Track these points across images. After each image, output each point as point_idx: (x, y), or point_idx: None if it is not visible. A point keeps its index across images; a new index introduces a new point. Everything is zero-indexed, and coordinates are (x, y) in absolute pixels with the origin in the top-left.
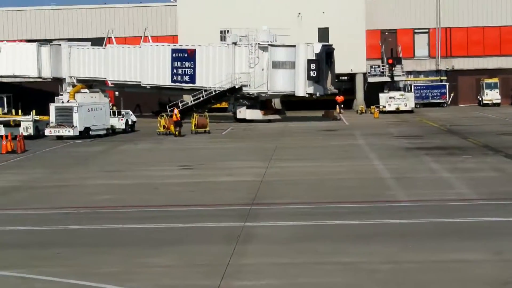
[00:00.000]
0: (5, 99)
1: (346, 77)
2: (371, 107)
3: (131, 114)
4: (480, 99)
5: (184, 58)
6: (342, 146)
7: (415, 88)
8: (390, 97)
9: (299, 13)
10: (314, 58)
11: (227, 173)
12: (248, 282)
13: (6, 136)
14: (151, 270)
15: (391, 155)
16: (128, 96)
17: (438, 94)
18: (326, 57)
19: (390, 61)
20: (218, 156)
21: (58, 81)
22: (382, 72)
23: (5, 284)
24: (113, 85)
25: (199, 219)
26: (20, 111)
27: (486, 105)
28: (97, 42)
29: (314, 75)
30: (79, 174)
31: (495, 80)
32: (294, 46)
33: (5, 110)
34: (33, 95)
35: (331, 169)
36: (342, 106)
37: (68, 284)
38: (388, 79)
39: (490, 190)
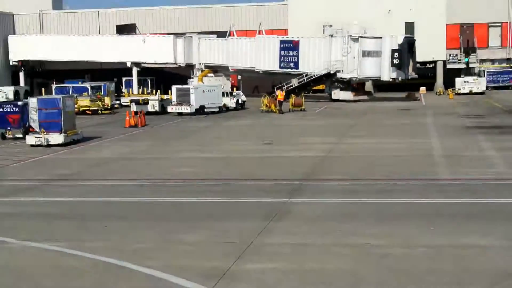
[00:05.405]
0: (149, 81)
1: (431, 64)
2: (448, 89)
3: (242, 95)
4: None
5: (290, 48)
6: (411, 124)
7: (488, 73)
8: (465, 81)
9: (390, 10)
10: (397, 48)
11: (297, 149)
12: (259, 265)
13: (136, 113)
14: (175, 248)
15: (450, 133)
16: (248, 79)
17: (507, 78)
18: (408, 47)
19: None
20: (300, 132)
21: (190, 67)
22: (459, 60)
23: (36, 257)
24: (233, 71)
25: (251, 194)
26: (159, 91)
27: None
28: (221, 34)
29: (397, 63)
30: (176, 147)
31: None
32: (380, 37)
33: (149, 90)
34: (172, 78)
35: (391, 145)
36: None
37: (94, 261)
38: (464, 66)
39: None
